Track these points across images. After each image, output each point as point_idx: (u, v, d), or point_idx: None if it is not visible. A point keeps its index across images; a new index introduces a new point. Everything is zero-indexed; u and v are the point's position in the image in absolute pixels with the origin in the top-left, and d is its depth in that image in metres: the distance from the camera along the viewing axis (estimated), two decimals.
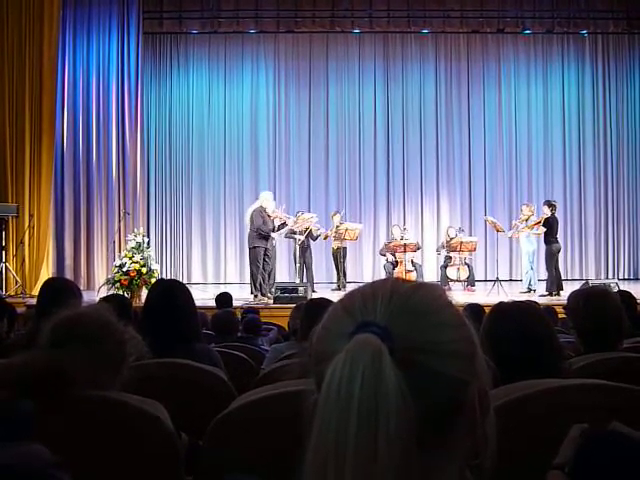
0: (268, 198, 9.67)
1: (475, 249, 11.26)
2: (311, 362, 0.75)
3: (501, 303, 2.17)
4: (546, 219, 9.82)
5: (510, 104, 13.12)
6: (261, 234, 9.38)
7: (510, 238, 11.07)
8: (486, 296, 9.56)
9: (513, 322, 2.01)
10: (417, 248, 11.21)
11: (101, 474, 1.64)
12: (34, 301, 3.51)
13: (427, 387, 0.69)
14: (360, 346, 0.68)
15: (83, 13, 11.65)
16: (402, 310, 0.72)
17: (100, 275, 11.26)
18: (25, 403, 1.23)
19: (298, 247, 10.36)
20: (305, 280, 10.23)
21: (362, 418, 0.64)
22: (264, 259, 9.41)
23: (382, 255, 11.51)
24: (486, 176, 13.09)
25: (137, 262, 9.29)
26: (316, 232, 10.57)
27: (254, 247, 9.40)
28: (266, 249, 9.41)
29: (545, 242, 9.92)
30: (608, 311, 2.55)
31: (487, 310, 4.19)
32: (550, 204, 10.00)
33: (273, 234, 9.59)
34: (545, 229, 9.81)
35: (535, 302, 3.44)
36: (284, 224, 9.82)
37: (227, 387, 2.43)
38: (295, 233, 10.22)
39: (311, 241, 10.63)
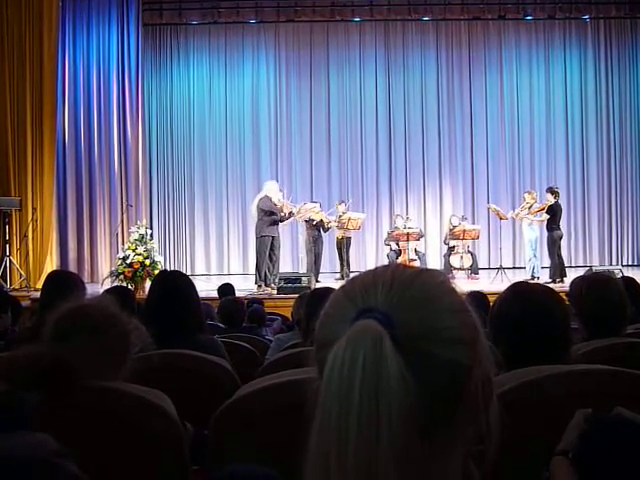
0: (273, 188, 9.53)
1: (478, 237, 11.25)
2: (313, 349, 0.75)
3: (520, 283, 2.11)
4: (550, 206, 9.79)
5: (512, 91, 13.07)
6: (272, 220, 9.27)
7: (513, 219, 10.93)
8: (490, 284, 9.55)
9: (533, 302, 1.94)
10: (420, 236, 11.21)
11: (107, 464, 1.64)
12: (38, 294, 3.51)
13: (429, 373, 0.69)
14: (361, 331, 0.68)
15: (83, 5, 11.62)
16: (403, 296, 0.72)
17: (104, 267, 11.28)
18: (29, 394, 1.23)
19: (310, 238, 10.40)
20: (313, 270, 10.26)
21: (363, 403, 0.64)
22: (271, 249, 9.34)
23: (387, 245, 11.51)
24: (489, 163, 13.05)
25: (140, 254, 9.30)
26: (327, 224, 10.58)
27: (262, 236, 9.31)
28: (273, 238, 9.33)
29: (547, 229, 9.90)
30: (611, 297, 2.54)
31: (490, 297, 4.18)
32: (553, 191, 9.97)
33: (281, 224, 9.53)
34: (548, 216, 9.78)
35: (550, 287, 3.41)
36: (291, 214, 9.74)
37: (231, 377, 2.44)
38: (313, 220, 10.26)
39: (322, 232, 10.67)
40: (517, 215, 10.42)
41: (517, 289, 2.05)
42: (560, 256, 9.94)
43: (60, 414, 1.49)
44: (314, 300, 3.13)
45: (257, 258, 9.49)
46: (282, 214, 9.44)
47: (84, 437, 1.59)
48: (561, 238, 10.03)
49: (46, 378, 1.38)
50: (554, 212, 9.79)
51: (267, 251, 9.27)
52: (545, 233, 10.02)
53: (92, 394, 1.67)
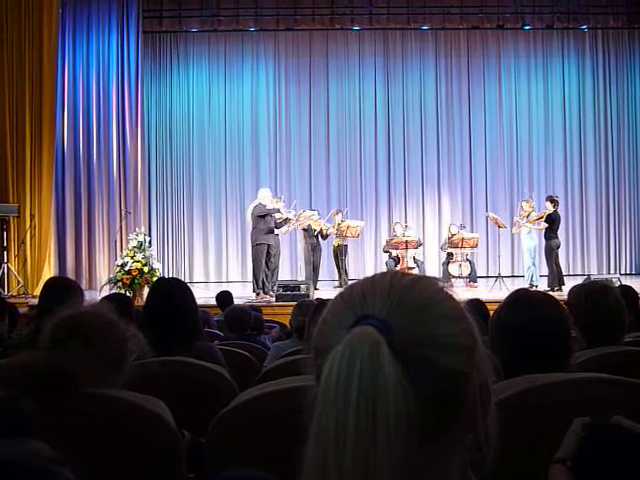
0: (266, 195, 9.59)
1: (477, 245, 11.25)
2: (311, 356, 0.75)
3: (520, 290, 2.09)
4: (548, 215, 9.80)
5: (511, 100, 13.11)
6: (268, 228, 9.26)
7: (513, 234, 11.05)
8: (488, 292, 9.55)
9: (534, 310, 1.92)
10: (419, 245, 11.21)
11: (103, 471, 1.64)
12: (36, 301, 3.50)
13: (427, 380, 0.68)
14: (358, 338, 0.67)
15: (83, 12, 11.65)
16: (401, 303, 0.72)
17: (102, 274, 11.27)
18: (25, 401, 1.23)
19: (309, 246, 10.42)
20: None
21: (360, 409, 0.64)
22: (267, 257, 9.35)
23: (385, 252, 11.52)
24: (487, 172, 13.08)
25: (139, 261, 9.29)
26: (326, 231, 10.60)
27: (257, 244, 9.33)
28: (269, 246, 9.34)
29: (545, 237, 9.91)
30: (609, 305, 2.54)
31: (488, 306, 4.18)
32: (552, 200, 9.98)
33: (276, 230, 9.53)
34: (547, 225, 9.79)
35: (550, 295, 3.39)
36: (287, 219, 9.74)
37: (229, 384, 2.43)
38: (312, 230, 10.33)
39: (321, 240, 10.67)
40: (516, 222, 10.40)
41: (518, 296, 2.02)
42: (558, 264, 9.95)
43: (57, 421, 1.49)
44: (320, 310, 3.11)
45: (254, 266, 9.50)
46: (280, 215, 9.46)
47: (80, 443, 1.59)
48: (559, 247, 10.03)
49: (43, 384, 1.38)
50: (552, 221, 9.80)
51: (263, 259, 9.28)
52: (543, 241, 10.03)
53: (89, 401, 1.67)
